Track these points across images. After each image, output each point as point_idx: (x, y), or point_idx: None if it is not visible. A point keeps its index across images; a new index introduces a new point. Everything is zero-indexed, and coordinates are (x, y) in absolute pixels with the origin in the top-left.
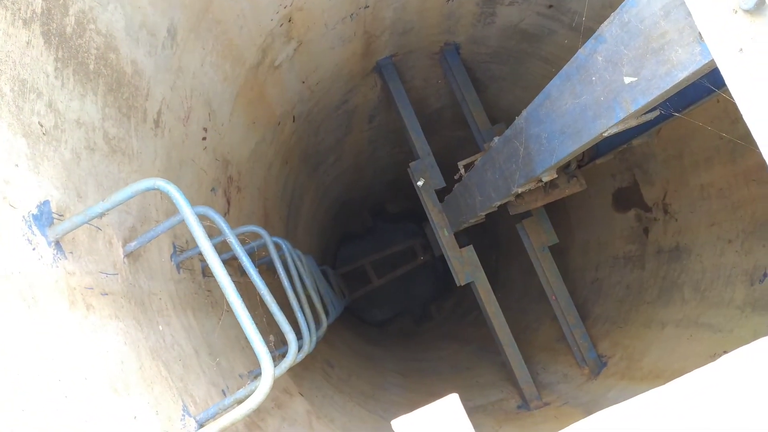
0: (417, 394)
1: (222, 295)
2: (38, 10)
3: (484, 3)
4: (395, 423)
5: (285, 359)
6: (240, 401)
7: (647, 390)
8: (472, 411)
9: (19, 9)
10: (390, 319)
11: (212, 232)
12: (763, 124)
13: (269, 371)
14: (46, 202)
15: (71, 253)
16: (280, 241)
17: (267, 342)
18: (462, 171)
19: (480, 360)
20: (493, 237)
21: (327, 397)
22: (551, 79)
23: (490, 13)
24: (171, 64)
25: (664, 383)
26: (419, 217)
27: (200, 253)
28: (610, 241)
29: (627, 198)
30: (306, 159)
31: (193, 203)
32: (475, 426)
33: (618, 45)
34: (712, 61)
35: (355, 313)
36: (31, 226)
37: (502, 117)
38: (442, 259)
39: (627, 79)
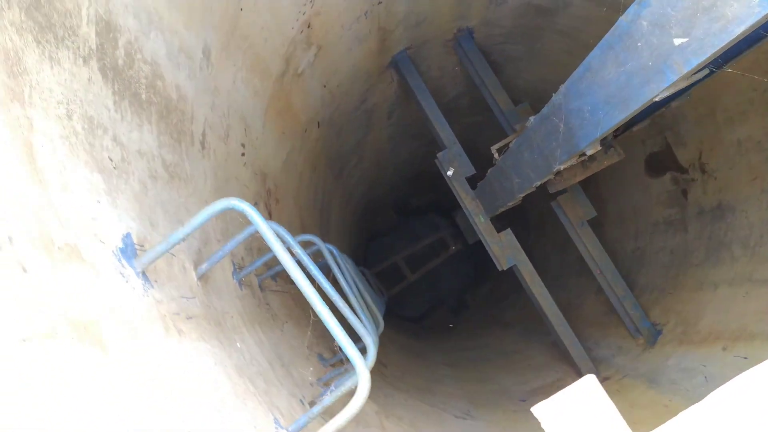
0: (470, 383)
1: (279, 307)
2: (93, 46)
3: None
4: (536, 410)
5: (366, 362)
6: (327, 409)
7: (708, 353)
8: (530, 394)
9: (78, 47)
10: (427, 312)
11: (258, 244)
12: None
13: (365, 376)
14: (128, 235)
15: (155, 281)
16: (331, 247)
17: (334, 347)
18: (495, 155)
19: (527, 342)
20: (523, 218)
21: (389, 396)
22: (569, 52)
23: None
24: (208, 85)
25: (724, 344)
26: (445, 207)
27: (257, 268)
28: (646, 207)
29: (660, 162)
30: (331, 163)
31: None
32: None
33: (664, 7)
34: None
35: (392, 310)
36: (120, 259)
37: (522, 96)
38: (474, 247)
39: (677, 41)
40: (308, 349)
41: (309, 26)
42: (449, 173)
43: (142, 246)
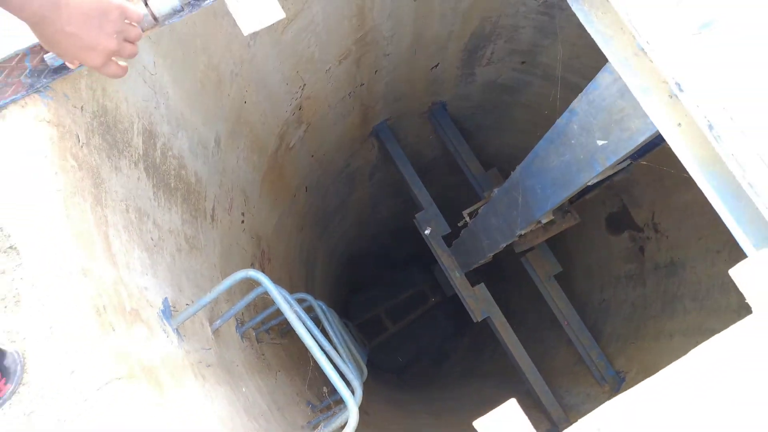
0: (450, 431)
1: (272, 357)
2: (141, 152)
3: (463, 66)
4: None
5: (355, 399)
6: None
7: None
8: None
9: (131, 155)
10: (408, 364)
11: (255, 301)
12: (699, 176)
13: (354, 410)
14: (165, 299)
15: (185, 335)
16: (320, 303)
17: (321, 395)
18: (467, 218)
19: (502, 392)
20: (500, 271)
21: None
22: (533, 122)
23: (469, 74)
24: (218, 167)
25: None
26: (424, 261)
27: (256, 324)
28: (609, 262)
29: (619, 221)
30: (316, 223)
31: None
32: None
33: (588, 117)
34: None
35: (374, 362)
36: (162, 319)
37: (493, 160)
38: (452, 300)
39: (599, 142)
40: (298, 396)
41: (300, 108)
42: (427, 232)
43: (175, 308)
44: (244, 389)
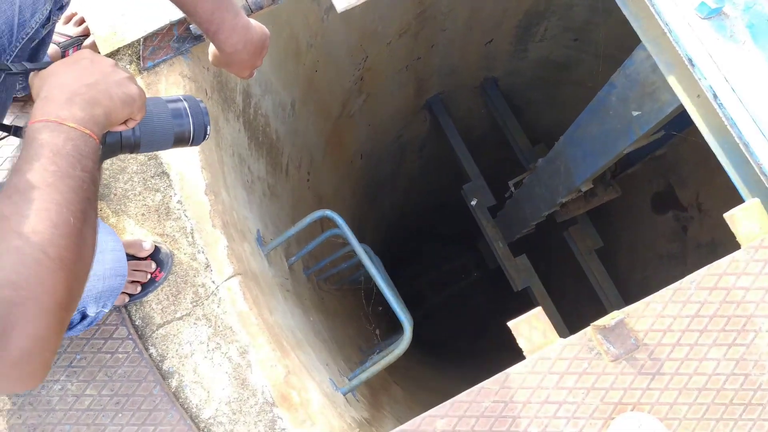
0: None
1: (329, 303)
2: (240, 108)
3: (517, 42)
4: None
5: (408, 326)
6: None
7: None
8: None
9: (235, 110)
10: (448, 338)
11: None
12: (719, 150)
13: (409, 332)
14: (258, 230)
15: (270, 262)
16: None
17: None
18: (512, 188)
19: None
20: (542, 245)
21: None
22: (582, 99)
23: (522, 50)
24: (292, 128)
25: None
26: (467, 237)
27: (318, 269)
28: (654, 240)
29: (664, 201)
30: (368, 191)
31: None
32: None
33: (625, 90)
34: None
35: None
36: (258, 244)
37: (540, 137)
38: (494, 275)
39: (634, 113)
40: (350, 339)
41: (362, 79)
42: (473, 203)
43: (263, 239)
44: (311, 318)
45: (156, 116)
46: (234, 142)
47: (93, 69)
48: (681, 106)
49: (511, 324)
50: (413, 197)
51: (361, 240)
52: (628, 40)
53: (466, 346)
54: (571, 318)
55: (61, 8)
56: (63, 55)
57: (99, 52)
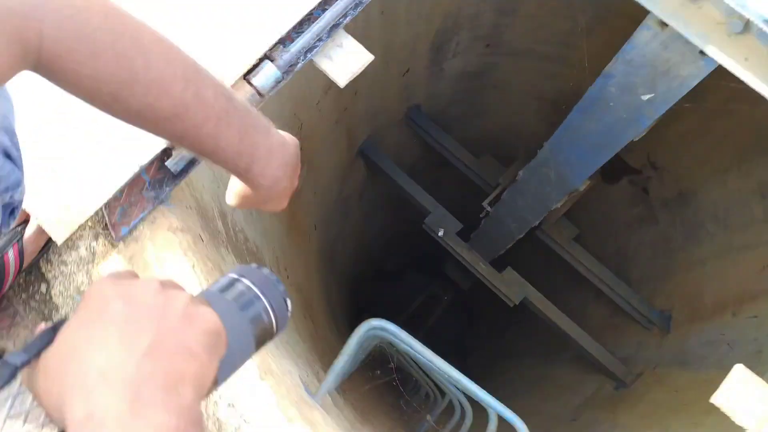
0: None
1: (361, 404)
2: (224, 236)
3: (432, 64)
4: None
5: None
6: None
7: (721, 323)
8: (577, 412)
9: (222, 240)
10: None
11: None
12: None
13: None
14: (298, 377)
15: (323, 407)
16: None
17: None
18: (488, 208)
19: (547, 367)
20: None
21: None
22: (503, 101)
23: (439, 70)
24: (261, 229)
25: (732, 311)
26: (428, 265)
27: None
28: (615, 212)
29: (614, 170)
30: (325, 258)
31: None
32: (591, 423)
33: (627, 76)
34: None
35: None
36: (308, 395)
37: (474, 148)
38: (466, 293)
39: (644, 97)
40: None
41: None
42: (441, 234)
43: (304, 380)
44: None
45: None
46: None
47: (136, 312)
48: (707, 76)
49: (716, 400)
50: (364, 246)
51: (327, 300)
52: (544, 32)
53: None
54: (581, 317)
55: (13, 213)
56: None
57: (53, 240)
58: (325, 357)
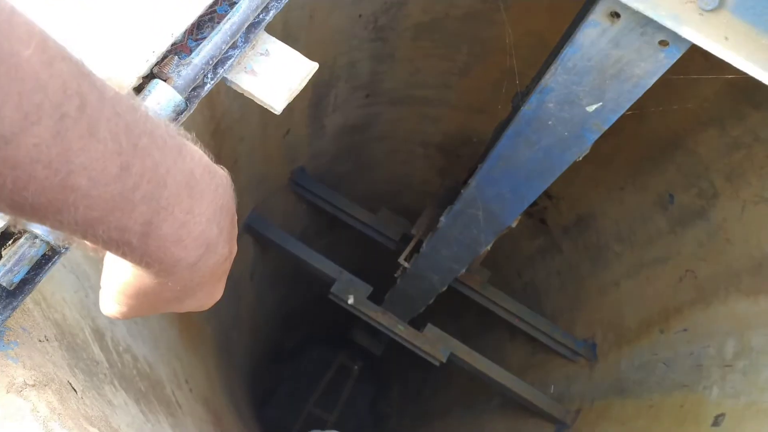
0: None
1: None
2: (106, 364)
3: (312, 122)
4: None
5: None
6: None
7: (650, 342)
8: None
9: (103, 373)
10: None
11: None
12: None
13: None
14: None
15: None
16: None
17: None
18: (405, 264)
19: (476, 420)
20: (432, 308)
21: None
22: (388, 150)
23: (320, 128)
24: (150, 341)
25: (659, 328)
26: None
27: None
28: (516, 247)
29: None
30: (222, 353)
31: None
32: None
33: (568, 87)
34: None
35: None
36: None
37: (368, 204)
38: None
39: (590, 108)
40: None
41: None
42: (350, 301)
43: None
44: None
45: None
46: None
47: None
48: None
49: None
50: (259, 329)
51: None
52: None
53: None
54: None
55: None
56: None
57: None
58: None
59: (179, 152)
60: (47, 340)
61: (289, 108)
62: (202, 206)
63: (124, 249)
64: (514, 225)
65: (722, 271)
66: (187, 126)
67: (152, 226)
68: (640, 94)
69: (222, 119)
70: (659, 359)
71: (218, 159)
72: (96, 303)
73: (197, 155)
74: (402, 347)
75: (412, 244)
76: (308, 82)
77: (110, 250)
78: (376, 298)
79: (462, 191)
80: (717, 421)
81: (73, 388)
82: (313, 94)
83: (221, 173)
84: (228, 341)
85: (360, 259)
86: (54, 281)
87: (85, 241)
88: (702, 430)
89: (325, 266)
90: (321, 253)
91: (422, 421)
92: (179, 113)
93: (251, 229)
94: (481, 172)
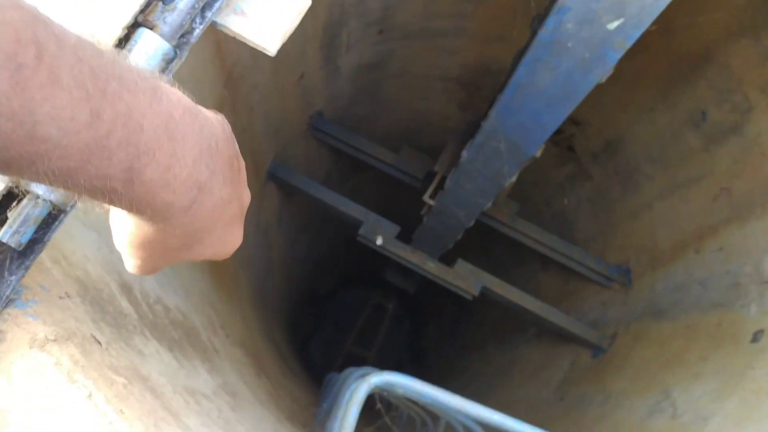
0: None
1: None
2: (135, 316)
3: (326, 63)
4: None
5: None
6: None
7: (685, 262)
8: (558, 389)
9: (133, 325)
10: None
11: None
12: None
13: None
14: None
15: None
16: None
17: None
18: (430, 202)
19: (513, 351)
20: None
21: None
22: (405, 86)
23: (334, 69)
24: (182, 289)
25: (694, 248)
26: (364, 277)
27: None
28: (544, 176)
29: None
30: (257, 299)
31: None
32: (581, 399)
33: (587, 3)
34: None
35: None
36: None
37: (390, 144)
38: (407, 297)
39: (611, 25)
40: None
41: None
42: (379, 242)
43: None
44: None
45: None
46: (169, 377)
47: None
48: None
49: None
50: (292, 274)
51: (274, 348)
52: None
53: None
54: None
55: None
56: None
57: None
58: (294, 416)
59: (154, 95)
60: (68, 296)
61: (302, 51)
62: (185, 148)
63: (111, 197)
64: (538, 155)
65: (758, 187)
66: (199, 78)
67: (135, 172)
68: (664, 6)
69: (233, 68)
70: (694, 280)
71: (233, 109)
72: (121, 258)
73: (175, 97)
74: (435, 284)
75: (435, 181)
76: (318, 23)
77: (99, 200)
78: (404, 237)
79: (482, 123)
80: (756, 337)
81: (97, 340)
82: (324, 34)
83: (205, 114)
84: (263, 288)
85: (386, 200)
86: (75, 240)
87: (85, 196)
88: (741, 347)
89: (351, 209)
90: (346, 196)
91: (459, 355)
92: (169, 62)
93: (274, 176)
94: (501, 103)
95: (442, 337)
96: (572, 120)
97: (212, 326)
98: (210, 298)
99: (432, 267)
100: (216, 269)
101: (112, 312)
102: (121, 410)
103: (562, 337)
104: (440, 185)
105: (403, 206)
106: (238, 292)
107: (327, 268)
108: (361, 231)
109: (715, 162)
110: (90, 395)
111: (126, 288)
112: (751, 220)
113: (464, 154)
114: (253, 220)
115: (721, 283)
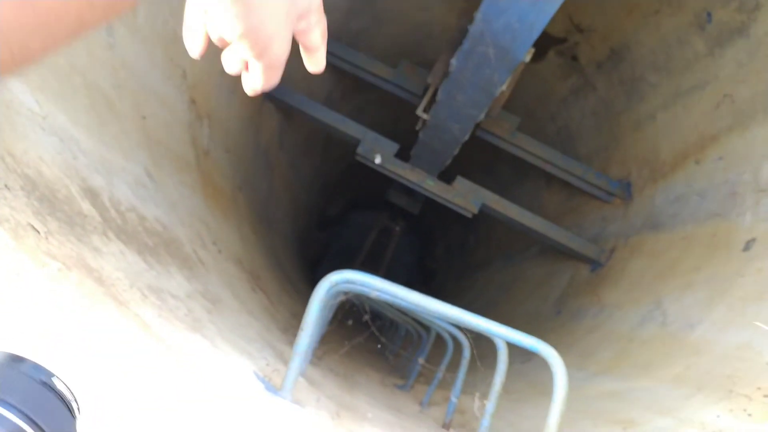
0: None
1: (341, 368)
2: (98, 218)
3: None
4: None
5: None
6: None
7: (685, 174)
8: (558, 302)
9: (93, 226)
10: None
11: None
12: None
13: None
14: (255, 373)
15: (299, 401)
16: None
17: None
18: (424, 116)
19: (515, 268)
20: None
21: None
22: None
23: None
24: (167, 203)
25: (695, 158)
26: (369, 200)
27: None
28: (549, 88)
29: (536, 45)
30: (261, 220)
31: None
32: (577, 312)
33: None
34: None
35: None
36: (272, 393)
37: (389, 59)
38: (413, 218)
39: None
40: (383, 386)
41: (193, 101)
42: (377, 161)
43: (266, 374)
44: (369, 415)
45: None
46: (130, 275)
47: None
48: None
49: None
50: (298, 198)
51: (276, 264)
52: None
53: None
54: (537, 208)
55: None
56: None
57: None
58: (290, 329)
59: None
60: (7, 188)
61: None
62: None
63: None
64: (527, 59)
65: (762, 92)
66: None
67: None
68: None
69: None
70: (694, 191)
71: None
72: (88, 165)
73: None
74: (440, 206)
75: (429, 93)
76: None
77: None
78: (404, 156)
79: (468, 28)
80: (748, 246)
81: (35, 228)
82: None
83: None
84: (266, 211)
85: (388, 120)
86: (29, 141)
87: None
88: (733, 256)
89: (349, 127)
90: (347, 116)
91: (465, 275)
92: None
93: (271, 96)
94: (486, 3)
95: (449, 257)
96: (576, 27)
97: (201, 240)
98: (201, 214)
99: (431, 185)
100: (208, 189)
101: (67, 211)
102: (53, 290)
103: (563, 254)
104: (434, 98)
105: (406, 126)
106: (236, 213)
107: (334, 191)
108: (359, 149)
109: (719, 66)
110: (18, 273)
111: (91, 193)
112: (752, 126)
113: (453, 62)
114: (249, 140)
115: (719, 193)
